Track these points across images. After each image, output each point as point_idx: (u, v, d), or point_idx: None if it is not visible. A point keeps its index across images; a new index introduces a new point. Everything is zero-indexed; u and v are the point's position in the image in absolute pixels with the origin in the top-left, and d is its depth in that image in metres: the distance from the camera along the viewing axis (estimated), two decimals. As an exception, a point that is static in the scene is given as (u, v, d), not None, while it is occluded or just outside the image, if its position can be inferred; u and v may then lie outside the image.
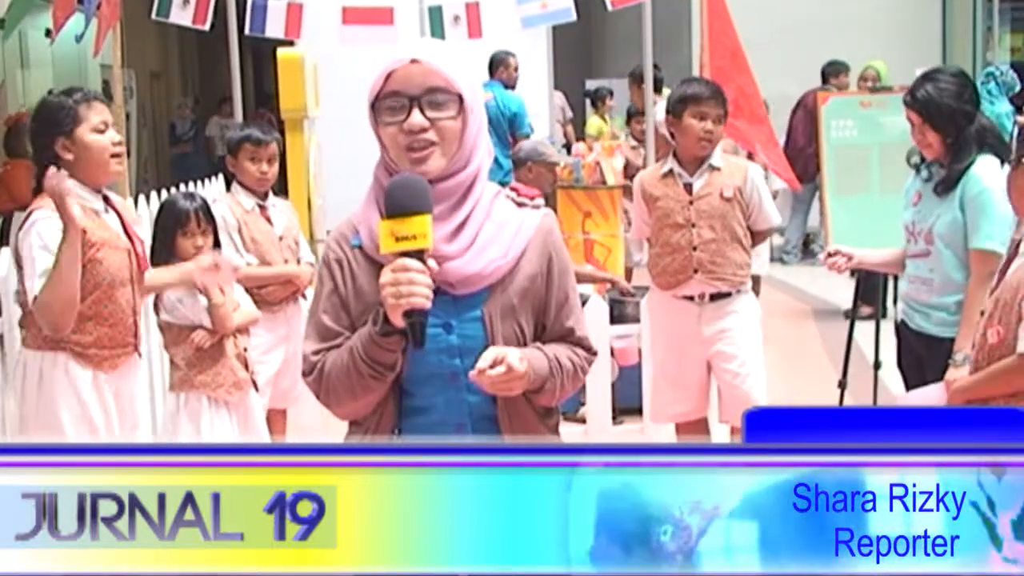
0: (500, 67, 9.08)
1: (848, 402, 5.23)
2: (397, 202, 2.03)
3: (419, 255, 2.02)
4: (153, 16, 6.73)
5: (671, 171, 4.60)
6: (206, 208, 4.22)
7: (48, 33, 11.51)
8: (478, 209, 2.17)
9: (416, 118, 2.10)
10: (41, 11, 11.00)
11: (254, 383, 4.32)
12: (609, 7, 6.74)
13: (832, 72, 9.37)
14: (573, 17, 6.90)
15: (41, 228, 3.39)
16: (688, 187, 4.58)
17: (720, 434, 5.01)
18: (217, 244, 4.25)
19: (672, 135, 4.64)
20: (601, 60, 14.61)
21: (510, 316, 2.17)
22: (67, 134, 3.49)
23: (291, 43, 7.56)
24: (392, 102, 2.12)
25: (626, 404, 5.92)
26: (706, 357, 4.65)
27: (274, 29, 7.01)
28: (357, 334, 2.12)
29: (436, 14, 7.10)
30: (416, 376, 2.15)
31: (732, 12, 6.63)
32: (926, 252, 3.92)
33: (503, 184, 2.66)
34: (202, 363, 4.14)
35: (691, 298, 4.60)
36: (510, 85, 9.10)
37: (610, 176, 7.47)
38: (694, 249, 4.53)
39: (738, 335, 4.61)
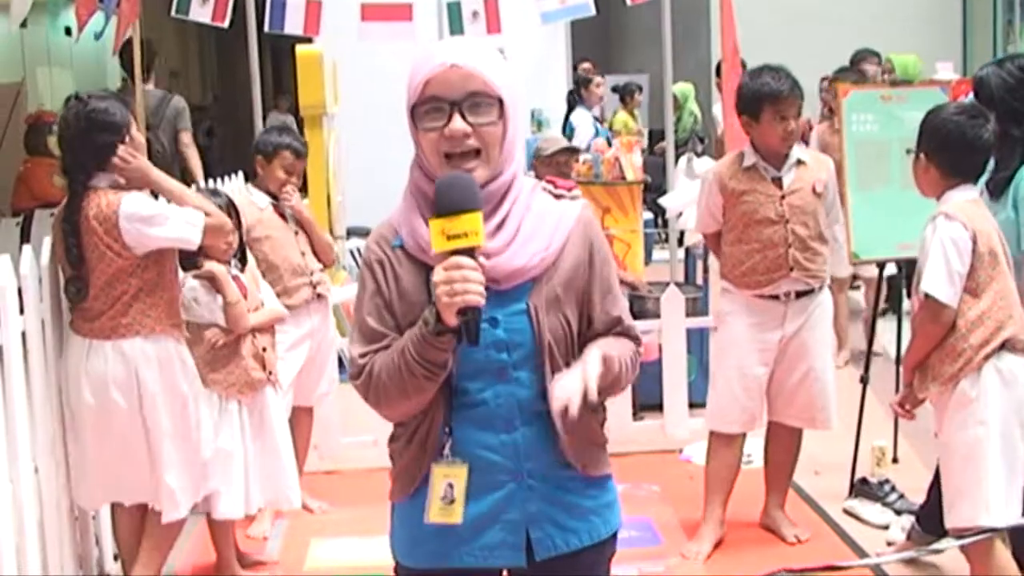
0: None
1: (869, 397, 5.21)
2: (447, 201, 2.01)
3: (470, 252, 2.01)
4: (172, 13, 6.74)
5: (755, 165, 4.34)
6: (232, 205, 4.26)
7: (68, 31, 11.58)
8: (518, 204, 2.16)
9: (458, 124, 2.08)
10: (61, 9, 11.05)
11: (274, 383, 4.32)
12: (628, 2, 6.72)
13: (859, 59, 8.54)
14: (592, 12, 6.89)
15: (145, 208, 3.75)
16: (777, 181, 4.34)
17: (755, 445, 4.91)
18: (241, 240, 4.27)
19: (747, 132, 4.38)
20: (620, 55, 14.59)
21: (555, 307, 2.17)
22: (130, 135, 3.80)
23: (310, 40, 7.56)
24: (432, 107, 2.10)
25: (646, 400, 5.92)
26: (774, 357, 4.42)
27: (293, 26, 7.00)
28: (406, 335, 2.10)
29: (455, 10, 7.09)
30: (465, 372, 2.14)
31: (748, 3, 6.61)
32: None
33: None
34: (216, 362, 4.15)
35: (777, 297, 4.37)
36: None
37: (629, 172, 7.46)
38: (789, 246, 4.30)
39: (818, 332, 4.45)
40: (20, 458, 3.78)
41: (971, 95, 4.05)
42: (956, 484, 3.52)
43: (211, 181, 6.76)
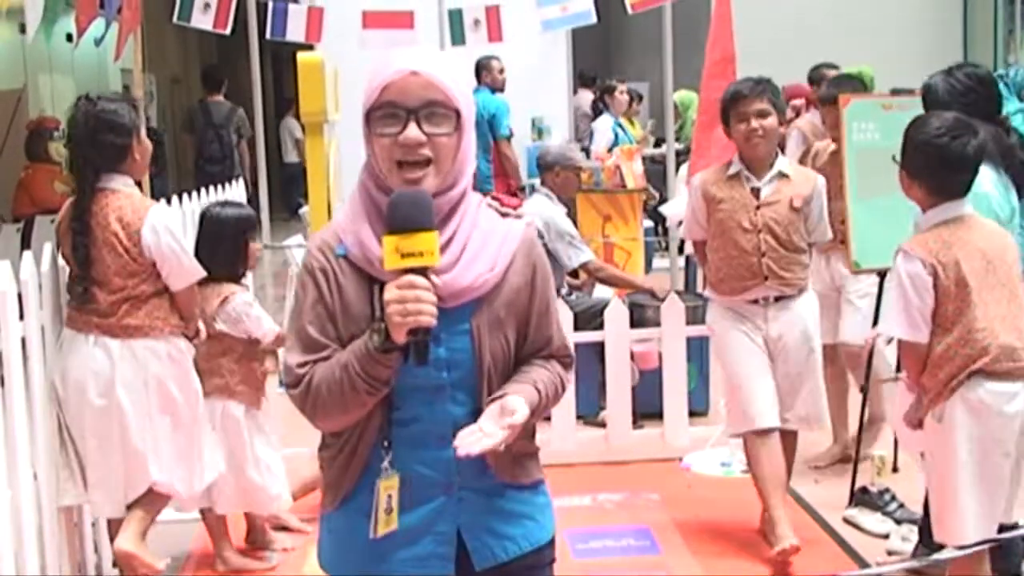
0: (484, 72, 9.02)
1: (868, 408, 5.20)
2: (403, 218, 1.98)
3: (423, 271, 1.98)
4: (174, 20, 6.75)
5: (738, 173, 4.45)
6: (257, 218, 4.65)
7: (70, 38, 11.54)
8: (466, 221, 2.13)
9: (412, 132, 2.04)
10: (63, 16, 11.04)
11: None
12: (629, 10, 6.72)
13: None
14: (593, 20, 6.90)
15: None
16: (755, 191, 4.44)
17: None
18: None
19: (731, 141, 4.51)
20: (621, 63, 14.57)
21: (497, 329, 2.14)
22: (138, 137, 3.91)
23: (311, 47, 7.57)
24: (388, 113, 2.07)
25: (646, 409, 5.90)
26: (772, 356, 4.50)
27: (294, 33, 7.02)
28: (349, 349, 2.06)
29: (456, 17, 7.11)
30: (402, 388, 2.10)
31: (751, 11, 6.60)
32: None
33: (483, 191, 2.60)
34: (243, 371, 4.30)
35: (756, 301, 4.46)
36: (497, 88, 9.05)
37: (630, 180, 7.46)
38: (762, 255, 4.39)
39: (798, 332, 4.49)
40: (19, 464, 3.77)
41: None
42: (935, 505, 3.57)
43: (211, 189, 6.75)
